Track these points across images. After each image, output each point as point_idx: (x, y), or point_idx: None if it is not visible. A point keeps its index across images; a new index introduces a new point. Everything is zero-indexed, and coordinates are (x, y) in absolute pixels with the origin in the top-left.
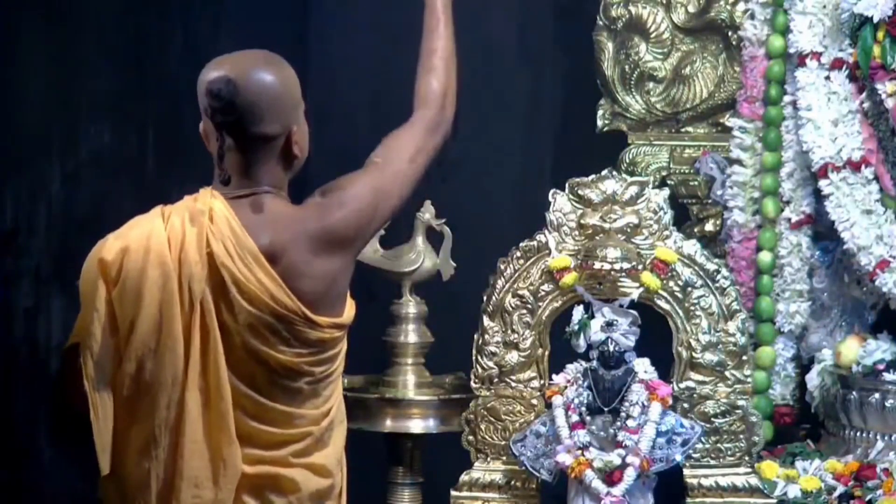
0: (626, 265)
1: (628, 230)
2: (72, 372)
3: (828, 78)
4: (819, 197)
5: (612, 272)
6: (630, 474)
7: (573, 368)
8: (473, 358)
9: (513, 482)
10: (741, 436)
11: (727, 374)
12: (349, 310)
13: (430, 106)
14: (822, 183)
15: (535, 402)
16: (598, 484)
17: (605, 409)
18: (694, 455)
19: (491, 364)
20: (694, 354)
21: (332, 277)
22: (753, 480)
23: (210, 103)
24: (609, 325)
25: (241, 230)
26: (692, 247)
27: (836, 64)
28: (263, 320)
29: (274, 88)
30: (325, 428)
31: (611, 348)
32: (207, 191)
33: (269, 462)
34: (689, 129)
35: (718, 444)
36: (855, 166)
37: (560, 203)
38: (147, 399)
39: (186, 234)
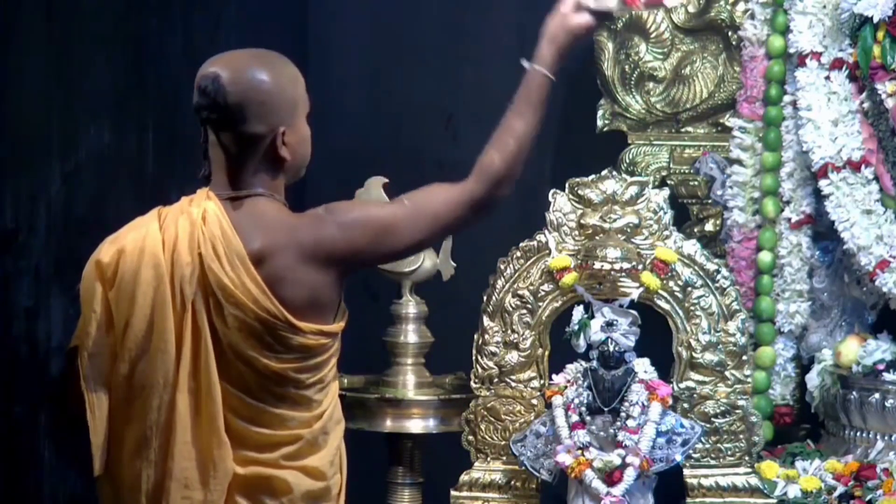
0: (626, 265)
1: (628, 230)
2: (72, 373)
3: (828, 78)
4: (819, 197)
5: (612, 272)
6: (630, 474)
7: (573, 368)
8: (473, 358)
9: (513, 482)
10: (741, 436)
11: (727, 374)
12: (340, 318)
13: (483, 182)
14: (822, 183)
15: (535, 402)
16: (598, 484)
17: (605, 409)
18: (694, 455)
19: (491, 364)
20: (694, 354)
21: (315, 288)
22: (753, 480)
23: (196, 99)
24: (609, 325)
25: (232, 232)
26: (692, 247)
27: (836, 64)
28: (248, 324)
29: (263, 88)
30: (319, 431)
31: (611, 348)
32: (204, 191)
33: (260, 463)
34: (689, 129)
35: (718, 444)
36: (855, 166)
37: (560, 203)
38: (139, 400)
39: (179, 235)
